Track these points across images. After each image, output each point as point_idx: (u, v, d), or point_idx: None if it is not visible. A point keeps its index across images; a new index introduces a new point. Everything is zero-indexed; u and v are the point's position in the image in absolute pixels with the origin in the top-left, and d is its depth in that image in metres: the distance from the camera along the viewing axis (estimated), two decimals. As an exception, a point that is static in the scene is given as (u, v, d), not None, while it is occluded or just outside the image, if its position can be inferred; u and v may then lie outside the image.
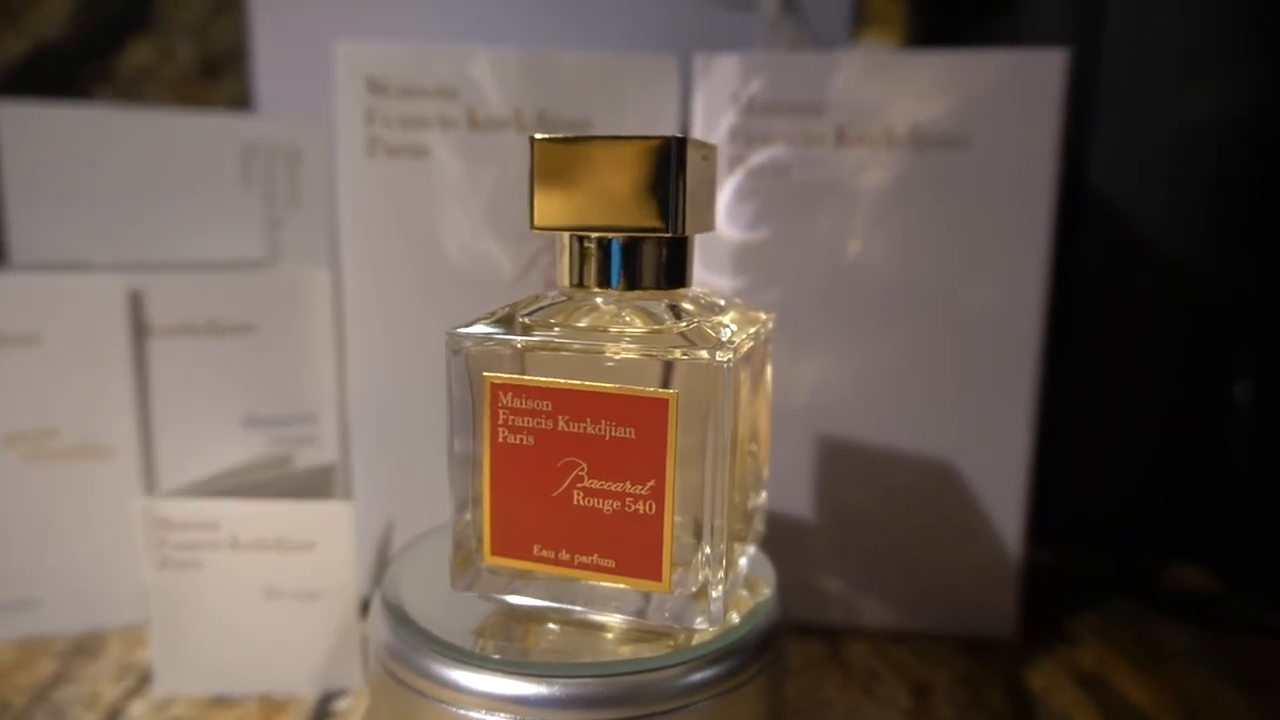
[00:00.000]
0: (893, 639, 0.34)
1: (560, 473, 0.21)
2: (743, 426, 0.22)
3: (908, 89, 0.31)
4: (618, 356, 0.20)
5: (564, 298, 0.22)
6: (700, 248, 0.32)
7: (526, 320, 0.21)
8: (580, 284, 0.22)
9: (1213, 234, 0.38)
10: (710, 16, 0.42)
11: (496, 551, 0.22)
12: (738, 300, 0.26)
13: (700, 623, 0.21)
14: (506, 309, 0.22)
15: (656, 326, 0.21)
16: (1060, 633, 0.35)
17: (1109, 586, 0.39)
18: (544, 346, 0.21)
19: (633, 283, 0.21)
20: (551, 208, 0.21)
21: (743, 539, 0.23)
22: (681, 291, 0.22)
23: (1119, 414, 0.41)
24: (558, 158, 0.21)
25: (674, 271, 0.22)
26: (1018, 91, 0.30)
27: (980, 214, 0.31)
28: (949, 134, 0.31)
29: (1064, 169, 0.31)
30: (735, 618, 0.22)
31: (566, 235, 0.22)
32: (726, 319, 0.22)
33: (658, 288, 0.22)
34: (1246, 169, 0.38)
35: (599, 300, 0.22)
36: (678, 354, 0.20)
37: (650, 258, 0.21)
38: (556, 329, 0.21)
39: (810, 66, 0.31)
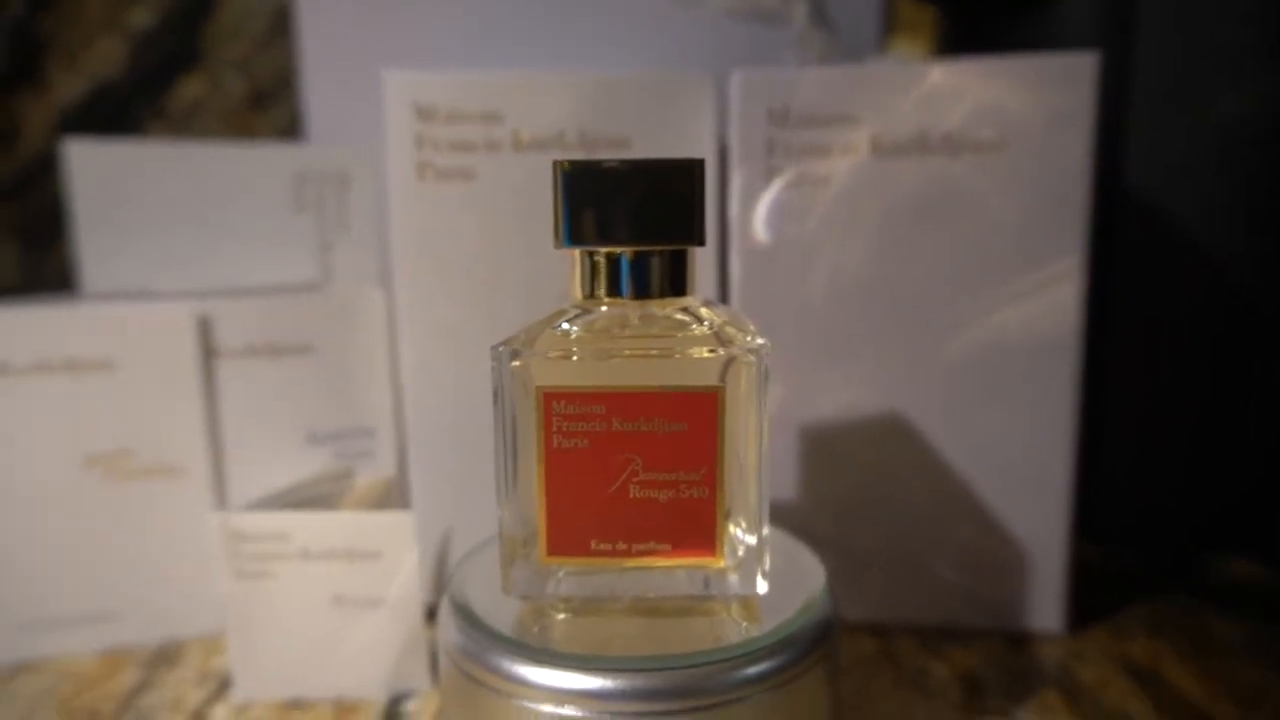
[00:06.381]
0: (942, 635, 0.34)
1: (616, 470, 0.22)
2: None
3: (941, 96, 0.32)
4: (669, 357, 0.22)
5: (602, 307, 0.23)
6: (741, 257, 0.33)
7: (568, 329, 0.23)
8: (614, 294, 0.23)
9: (1251, 231, 0.38)
10: (742, 33, 0.43)
11: (553, 551, 0.23)
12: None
13: (759, 588, 0.23)
14: (542, 321, 0.23)
15: (688, 329, 0.23)
16: (1110, 627, 0.35)
17: (1158, 581, 0.39)
18: (591, 354, 0.22)
19: (662, 291, 0.23)
20: (578, 227, 0.22)
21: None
22: (696, 298, 0.24)
23: (1165, 408, 0.41)
24: (580, 180, 0.22)
25: (687, 280, 0.24)
26: (1051, 96, 0.31)
27: (1017, 218, 0.32)
28: (984, 140, 0.32)
29: (1099, 171, 0.32)
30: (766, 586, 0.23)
31: (593, 252, 0.23)
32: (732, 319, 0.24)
33: (680, 294, 0.23)
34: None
35: (630, 309, 0.23)
36: (706, 352, 0.22)
37: (673, 269, 0.23)
38: (599, 337, 0.22)
39: (843, 78, 0.32)
